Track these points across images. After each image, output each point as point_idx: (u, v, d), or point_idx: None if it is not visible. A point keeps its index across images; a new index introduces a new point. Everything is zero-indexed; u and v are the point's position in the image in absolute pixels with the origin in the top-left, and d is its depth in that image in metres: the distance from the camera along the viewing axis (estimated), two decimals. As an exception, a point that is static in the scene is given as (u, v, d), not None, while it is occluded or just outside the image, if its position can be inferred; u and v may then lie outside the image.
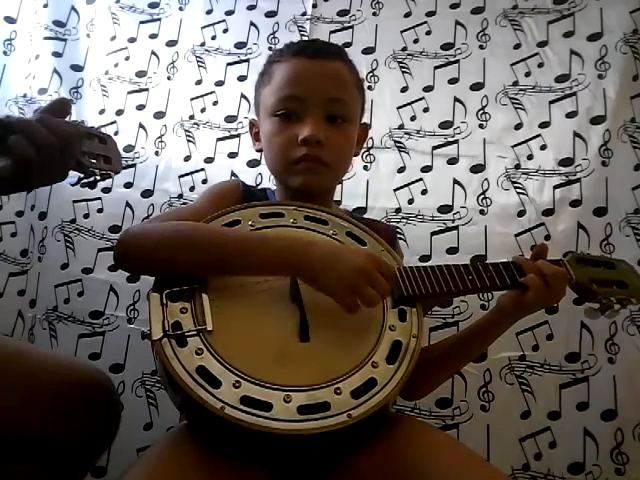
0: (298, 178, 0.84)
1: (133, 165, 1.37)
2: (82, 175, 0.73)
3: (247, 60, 1.41)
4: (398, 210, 1.26)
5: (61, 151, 0.62)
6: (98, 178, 0.73)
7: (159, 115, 1.40)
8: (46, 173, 0.64)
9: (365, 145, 1.03)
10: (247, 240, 0.72)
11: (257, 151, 0.95)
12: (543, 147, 1.25)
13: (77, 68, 1.43)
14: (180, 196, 1.33)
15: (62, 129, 0.63)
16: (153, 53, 1.44)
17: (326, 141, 0.81)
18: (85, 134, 0.69)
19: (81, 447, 0.79)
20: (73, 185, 0.74)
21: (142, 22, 1.46)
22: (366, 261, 0.68)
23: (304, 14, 1.41)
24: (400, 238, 1.20)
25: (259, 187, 0.99)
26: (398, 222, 1.25)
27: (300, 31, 1.40)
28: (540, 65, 1.30)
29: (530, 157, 1.25)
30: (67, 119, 0.67)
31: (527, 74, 1.30)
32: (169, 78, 1.42)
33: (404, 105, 1.33)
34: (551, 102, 1.27)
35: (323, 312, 0.69)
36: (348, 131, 0.87)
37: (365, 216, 1.24)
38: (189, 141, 1.38)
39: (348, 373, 0.64)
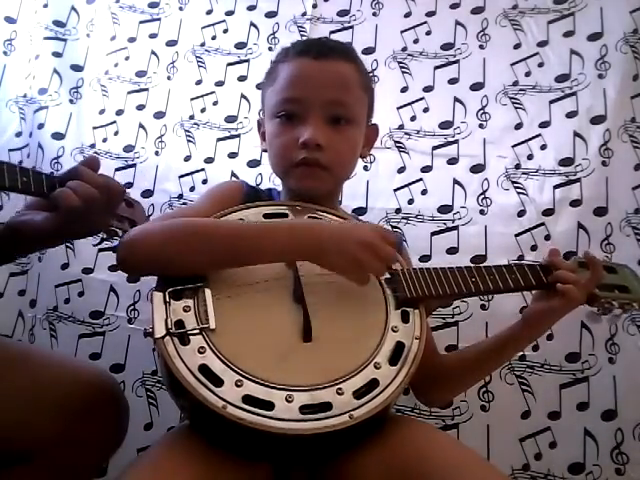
0: (297, 181, 0.84)
1: (133, 165, 1.36)
2: (105, 235, 0.74)
3: (247, 60, 1.41)
4: (398, 210, 1.26)
5: (106, 205, 0.64)
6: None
7: (159, 115, 1.40)
8: (87, 225, 0.65)
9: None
10: (258, 229, 0.73)
11: (263, 151, 0.95)
12: (543, 147, 1.25)
13: (77, 68, 1.43)
14: (180, 196, 1.33)
15: (109, 184, 0.65)
16: (153, 53, 1.44)
17: (327, 144, 0.81)
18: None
19: (89, 449, 0.79)
20: (96, 245, 0.75)
21: (142, 22, 1.46)
22: (370, 234, 0.70)
23: (304, 14, 1.41)
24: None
25: (265, 187, 0.99)
26: (398, 222, 1.25)
27: (300, 31, 1.40)
28: (540, 65, 1.30)
29: (530, 157, 1.25)
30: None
31: (527, 74, 1.30)
32: (169, 78, 1.42)
33: (404, 105, 1.33)
34: (551, 102, 1.27)
35: (326, 312, 0.69)
36: (351, 133, 0.86)
37: (365, 217, 1.24)
38: (189, 141, 1.37)
39: (350, 374, 0.64)
